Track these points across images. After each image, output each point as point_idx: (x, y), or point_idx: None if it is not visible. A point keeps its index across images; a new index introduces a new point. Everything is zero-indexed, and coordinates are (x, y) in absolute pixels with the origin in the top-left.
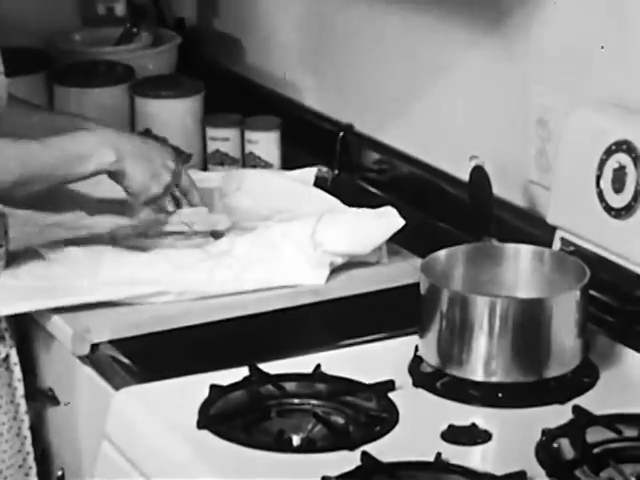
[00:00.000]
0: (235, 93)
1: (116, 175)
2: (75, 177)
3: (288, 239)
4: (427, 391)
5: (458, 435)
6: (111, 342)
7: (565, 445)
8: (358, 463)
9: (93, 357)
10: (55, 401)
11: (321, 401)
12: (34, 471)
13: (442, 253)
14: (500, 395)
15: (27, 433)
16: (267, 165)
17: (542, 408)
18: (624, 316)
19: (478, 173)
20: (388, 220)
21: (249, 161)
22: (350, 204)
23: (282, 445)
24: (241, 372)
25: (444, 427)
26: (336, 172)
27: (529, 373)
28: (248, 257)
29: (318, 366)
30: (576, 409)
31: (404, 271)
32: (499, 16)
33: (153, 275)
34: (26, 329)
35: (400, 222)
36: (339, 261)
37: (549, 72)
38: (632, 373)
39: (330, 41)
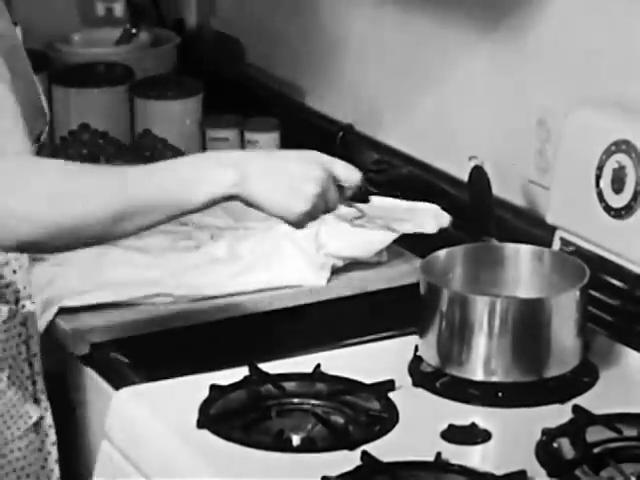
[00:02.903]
0: (234, 94)
1: (244, 200)
2: (184, 208)
3: (290, 241)
4: (427, 391)
5: (458, 435)
6: (111, 342)
7: (565, 445)
8: (358, 463)
9: (93, 357)
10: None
11: (321, 401)
12: None
13: (442, 253)
14: (500, 395)
15: None
16: None
17: (542, 408)
18: (624, 316)
19: (478, 173)
20: None
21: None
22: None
23: (282, 445)
24: (241, 372)
25: (444, 427)
26: None
27: (529, 373)
28: (249, 258)
29: (318, 366)
30: (576, 409)
31: (404, 271)
32: (498, 16)
33: (153, 277)
34: None
35: None
36: (340, 264)
37: (549, 72)
38: (632, 373)
39: (330, 41)
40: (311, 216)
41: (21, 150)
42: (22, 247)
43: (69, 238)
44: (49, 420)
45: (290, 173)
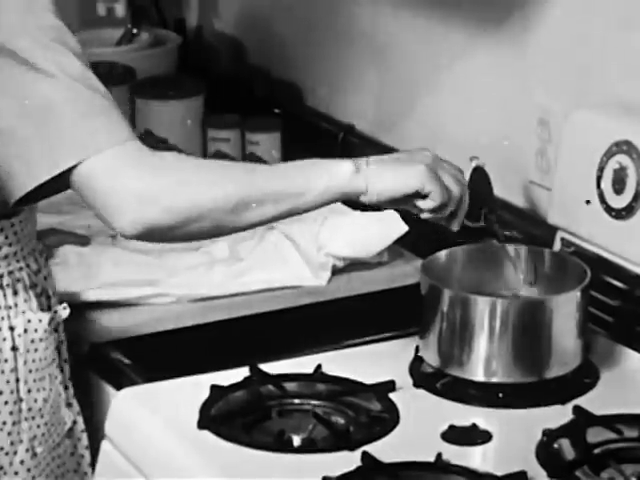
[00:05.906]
0: (235, 94)
1: (362, 191)
2: (305, 199)
3: (290, 241)
4: (428, 391)
5: (459, 435)
6: (112, 342)
7: (566, 445)
8: (358, 463)
9: (93, 357)
10: None
11: (322, 401)
12: None
13: (442, 253)
14: (501, 395)
15: None
16: None
17: (542, 408)
18: (624, 317)
19: (479, 174)
20: (391, 225)
21: (250, 162)
22: (350, 205)
23: (283, 445)
24: (242, 372)
25: (445, 427)
26: None
27: (529, 373)
28: (250, 259)
29: (319, 366)
30: (576, 409)
31: (405, 271)
32: (499, 16)
33: (153, 277)
34: None
35: (403, 228)
36: (340, 264)
37: (549, 73)
38: (632, 373)
39: (331, 41)
40: (433, 171)
41: (132, 137)
42: (148, 232)
43: (193, 226)
44: (81, 424)
45: (398, 156)
